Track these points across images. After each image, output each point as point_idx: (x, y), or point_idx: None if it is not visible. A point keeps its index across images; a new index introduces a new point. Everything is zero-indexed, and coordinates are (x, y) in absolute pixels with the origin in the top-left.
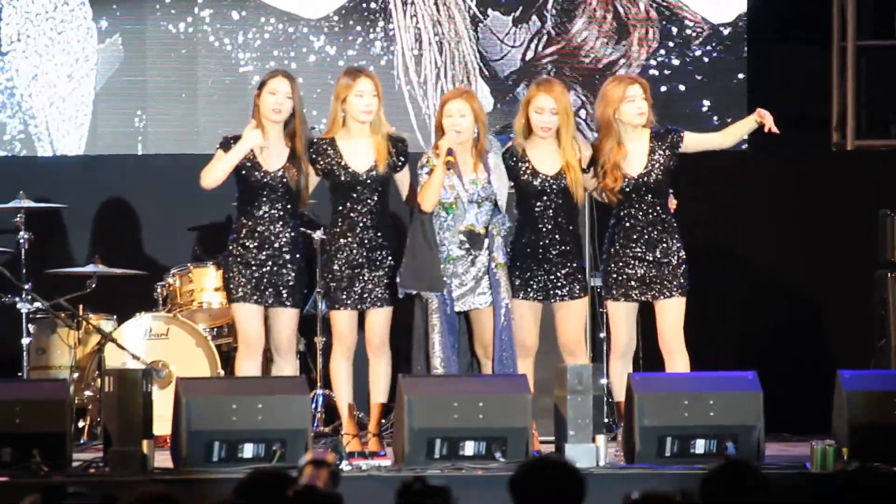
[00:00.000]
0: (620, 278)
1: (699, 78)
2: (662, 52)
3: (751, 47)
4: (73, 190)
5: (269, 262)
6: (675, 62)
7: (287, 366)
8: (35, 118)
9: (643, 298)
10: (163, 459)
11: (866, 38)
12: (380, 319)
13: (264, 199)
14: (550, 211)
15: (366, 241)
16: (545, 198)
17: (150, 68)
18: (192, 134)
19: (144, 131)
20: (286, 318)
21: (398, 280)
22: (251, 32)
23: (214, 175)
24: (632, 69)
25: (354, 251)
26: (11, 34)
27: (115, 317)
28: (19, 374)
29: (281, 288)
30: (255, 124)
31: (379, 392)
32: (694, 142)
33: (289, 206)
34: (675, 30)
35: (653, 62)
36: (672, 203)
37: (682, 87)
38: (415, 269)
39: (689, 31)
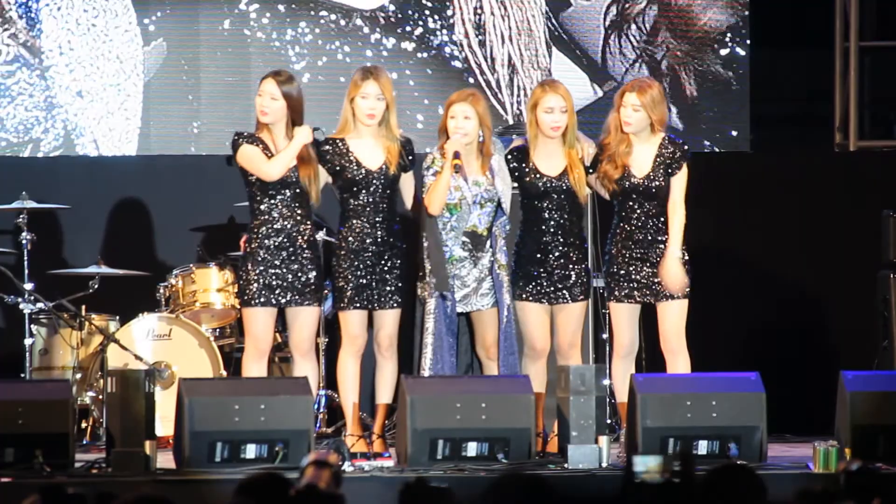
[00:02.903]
0: (622, 280)
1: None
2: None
3: (753, 47)
4: (75, 191)
5: (290, 261)
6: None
7: (309, 367)
8: (80, 128)
9: (645, 300)
10: (165, 460)
11: (869, 39)
12: (391, 320)
13: (280, 196)
14: (554, 212)
15: (378, 242)
16: (548, 199)
17: (203, 69)
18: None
19: (198, 134)
20: (308, 318)
21: (425, 286)
22: (302, 26)
23: (283, 162)
24: None
25: (367, 251)
26: (52, 46)
27: (117, 317)
28: (22, 374)
29: (302, 287)
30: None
31: (385, 393)
32: (676, 185)
33: (303, 205)
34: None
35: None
36: None
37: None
38: (438, 273)
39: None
